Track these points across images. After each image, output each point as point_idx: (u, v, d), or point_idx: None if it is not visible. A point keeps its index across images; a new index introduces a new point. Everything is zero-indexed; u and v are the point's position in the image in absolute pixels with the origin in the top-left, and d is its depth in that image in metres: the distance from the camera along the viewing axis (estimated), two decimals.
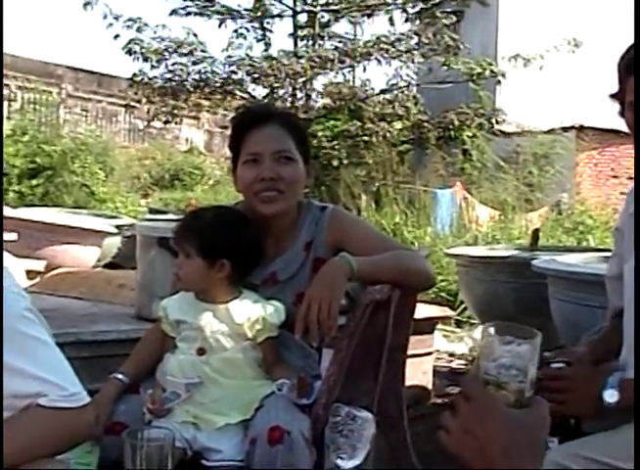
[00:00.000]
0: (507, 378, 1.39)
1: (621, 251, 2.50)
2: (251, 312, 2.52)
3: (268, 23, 17.10)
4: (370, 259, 2.61)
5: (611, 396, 2.13)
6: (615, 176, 18.44)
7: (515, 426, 1.35)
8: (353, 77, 17.06)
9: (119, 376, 2.59)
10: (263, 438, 2.31)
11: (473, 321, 7.46)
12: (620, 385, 2.15)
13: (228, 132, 2.91)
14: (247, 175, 2.68)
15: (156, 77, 16.30)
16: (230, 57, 16.28)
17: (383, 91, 16.79)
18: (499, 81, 16.79)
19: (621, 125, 2.25)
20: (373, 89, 16.71)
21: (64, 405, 1.89)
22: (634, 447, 1.88)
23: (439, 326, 6.36)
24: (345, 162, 16.46)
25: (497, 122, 17.47)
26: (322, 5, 16.87)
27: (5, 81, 19.82)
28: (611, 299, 2.63)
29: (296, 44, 16.89)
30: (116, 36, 15.79)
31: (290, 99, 16.27)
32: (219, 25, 16.70)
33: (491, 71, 16.47)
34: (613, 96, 2.22)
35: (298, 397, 2.43)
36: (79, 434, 1.96)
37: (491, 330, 1.41)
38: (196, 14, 16.56)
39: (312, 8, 16.77)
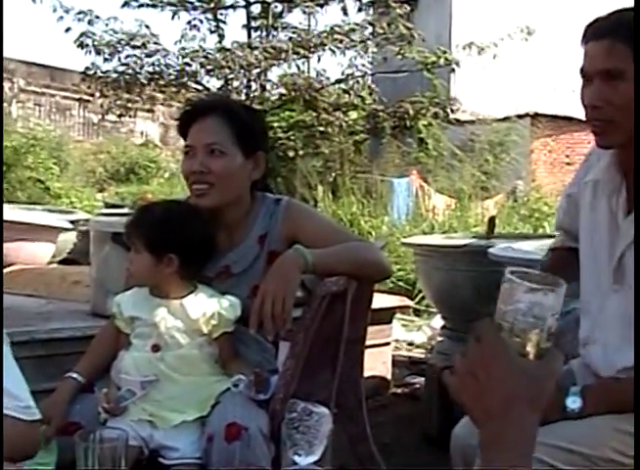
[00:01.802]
0: (523, 325, 1.34)
1: (570, 221, 2.52)
2: (206, 308, 2.50)
3: (222, 14, 17.01)
4: (325, 252, 2.59)
5: (573, 402, 2.13)
6: (569, 163, 18.55)
7: (520, 376, 1.31)
8: (308, 68, 17.03)
9: (74, 375, 2.55)
10: (220, 434, 2.29)
11: (431, 310, 7.48)
12: (583, 392, 2.15)
13: None
14: (183, 168, 2.70)
15: (109, 71, 16.15)
16: (184, 49, 16.17)
17: (338, 81, 16.77)
18: (453, 70, 16.82)
19: (575, 112, 2.27)
20: (328, 79, 16.70)
21: (18, 416, 1.86)
22: (634, 447, 1.88)
23: (398, 315, 6.37)
24: (301, 152, 16.43)
25: (452, 111, 17.50)
26: None
27: None
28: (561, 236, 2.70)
29: (249, 35, 16.81)
30: (68, 29, 15.63)
31: (244, 90, 16.21)
32: (172, 17, 16.58)
33: (445, 60, 16.49)
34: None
35: (256, 392, 2.41)
36: (29, 447, 1.94)
37: (514, 275, 1.37)
38: (148, 5, 16.43)
39: None
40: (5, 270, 5.53)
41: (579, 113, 2.26)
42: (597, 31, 2.17)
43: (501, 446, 1.30)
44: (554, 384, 1.36)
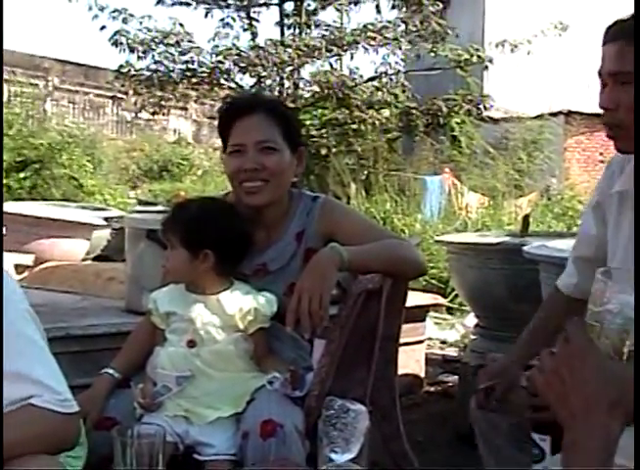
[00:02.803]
0: (613, 326, 1.34)
1: (599, 231, 2.42)
2: (242, 303, 2.50)
3: (255, 12, 16.99)
4: (360, 249, 2.59)
5: None
6: (603, 161, 18.40)
7: (604, 377, 1.29)
8: (341, 66, 17.00)
9: (110, 371, 2.57)
10: (256, 431, 2.30)
11: (464, 308, 7.45)
12: None
13: (216, 122, 2.90)
14: (231, 166, 2.68)
15: (142, 69, 16.20)
16: (217, 47, 16.18)
17: (371, 79, 16.73)
18: (486, 67, 16.72)
19: None
20: (362, 77, 16.66)
21: (56, 409, 1.87)
22: (634, 448, 1.85)
23: (431, 314, 6.36)
24: (334, 150, 16.40)
25: (485, 109, 17.41)
26: None
27: None
28: (572, 278, 2.54)
29: (282, 33, 16.79)
30: (102, 28, 15.68)
31: (277, 88, 16.20)
32: (205, 15, 16.59)
33: (478, 57, 16.40)
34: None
35: (291, 389, 2.41)
36: (67, 440, 1.95)
37: (606, 276, 1.35)
38: (182, 3, 16.45)
39: None
40: (40, 267, 5.57)
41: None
42: (613, 34, 2.14)
43: (578, 451, 1.29)
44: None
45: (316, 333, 2.52)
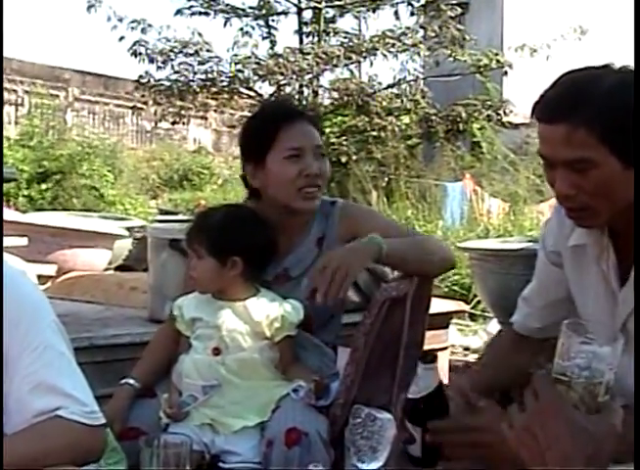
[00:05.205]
0: (580, 379, 1.34)
1: (553, 279, 2.25)
2: (269, 310, 2.50)
3: (273, 20, 17.04)
4: (395, 241, 2.57)
5: None
6: None
7: (577, 432, 1.29)
8: (360, 73, 17.02)
9: (131, 381, 2.57)
10: (280, 440, 2.29)
11: (487, 315, 7.42)
12: None
13: (236, 131, 2.91)
14: (289, 171, 2.61)
15: (162, 79, 16.26)
16: (236, 55, 16.22)
17: (390, 85, 16.74)
18: (506, 72, 16.69)
19: None
20: (380, 83, 16.67)
21: (83, 421, 1.87)
22: (634, 448, 1.82)
23: (454, 320, 6.32)
24: (355, 157, 16.39)
25: (505, 114, 17.37)
26: (327, 1, 16.80)
27: (12, 86, 19.83)
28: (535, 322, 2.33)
29: (301, 41, 16.83)
30: (122, 38, 15.76)
31: (297, 96, 16.22)
32: (224, 24, 16.65)
33: (498, 62, 16.38)
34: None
35: (316, 399, 2.40)
36: (93, 452, 1.95)
37: (571, 328, 1.36)
38: (200, 13, 16.50)
39: (317, 4, 16.69)
40: (62, 277, 5.58)
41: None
42: (550, 114, 1.90)
43: None
44: (614, 442, 1.33)
45: (327, 303, 2.42)
